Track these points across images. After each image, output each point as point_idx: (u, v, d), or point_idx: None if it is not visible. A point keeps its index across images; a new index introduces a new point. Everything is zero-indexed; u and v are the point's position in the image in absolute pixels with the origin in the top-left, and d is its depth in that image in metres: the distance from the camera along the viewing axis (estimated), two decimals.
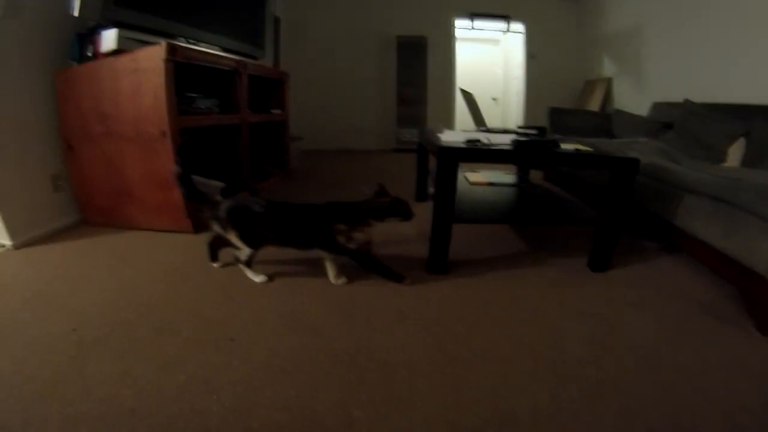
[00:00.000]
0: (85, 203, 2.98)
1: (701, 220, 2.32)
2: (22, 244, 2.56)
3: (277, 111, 4.46)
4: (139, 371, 1.40)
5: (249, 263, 2.13)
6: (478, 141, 2.37)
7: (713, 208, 2.23)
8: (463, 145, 2.26)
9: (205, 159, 3.35)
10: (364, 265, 2.11)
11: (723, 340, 1.74)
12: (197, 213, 2.63)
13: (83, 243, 2.66)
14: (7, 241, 2.52)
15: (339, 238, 2.00)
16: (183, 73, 2.80)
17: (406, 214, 2.07)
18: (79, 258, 2.42)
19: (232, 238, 2.07)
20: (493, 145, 2.33)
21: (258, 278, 2.12)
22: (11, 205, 2.54)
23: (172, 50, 2.58)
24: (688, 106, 3.85)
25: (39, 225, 2.72)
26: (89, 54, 2.76)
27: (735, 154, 2.97)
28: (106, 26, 2.64)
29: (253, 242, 2.07)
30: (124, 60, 2.62)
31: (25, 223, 2.63)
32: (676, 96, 4.28)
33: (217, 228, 2.12)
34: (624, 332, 1.78)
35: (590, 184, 3.69)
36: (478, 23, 7.64)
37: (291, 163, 4.94)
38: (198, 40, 3.30)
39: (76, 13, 2.44)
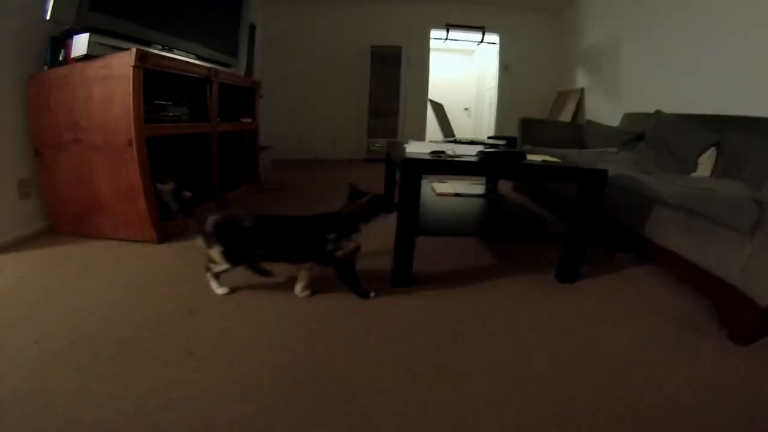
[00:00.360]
0: (53, 211, 2.94)
1: (671, 231, 2.38)
2: None
3: (247, 120, 4.46)
4: (98, 385, 1.39)
5: (218, 276, 2.11)
6: (444, 152, 2.40)
7: (683, 219, 2.29)
8: (428, 157, 2.27)
9: (173, 167, 3.33)
10: (343, 274, 2.09)
11: (696, 352, 1.78)
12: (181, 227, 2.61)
13: (49, 252, 2.62)
14: None
15: (329, 248, 1.99)
16: (154, 81, 2.80)
17: (390, 207, 2.07)
18: (44, 268, 2.39)
19: (214, 253, 2.01)
20: (457, 156, 2.35)
21: (220, 290, 2.11)
22: None
23: (142, 57, 2.57)
24: (659, 117, 3.93)
25: (4, 232, 2.68)
26: (62, 59, 2.75)
27: (705, 164, 3.03)
28: (80, 31, 2.62)
29: (235, 259, 2.03)
30: (95, 66, 2.60)
31: None
32: (648, 107, 4.37)
33: (200, 242, 2.05)
34: (594, 347, 1.80)
35: (559, 195, 3.74)
36: (454, 34, 7.71)
37: (261, 173, 4.94)
38: (171, 47, 3.28)
39: (48, 17, 2.42)
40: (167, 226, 2.84)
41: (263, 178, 4.98)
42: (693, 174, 3.10)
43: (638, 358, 1.73)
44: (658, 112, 3.99)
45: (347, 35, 7.49)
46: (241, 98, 4.51)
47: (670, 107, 4.07)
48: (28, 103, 2.77)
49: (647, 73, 5.04)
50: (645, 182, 2.69)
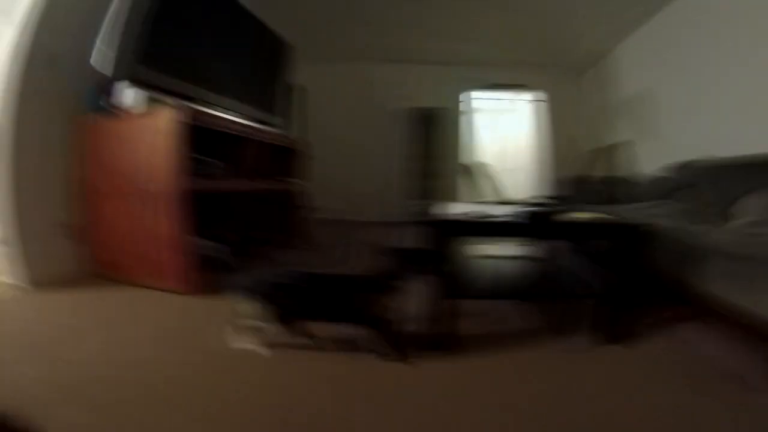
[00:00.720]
0: (93, 254, 3.00)
1: (721, 280, 2.21)
2: (31, 287, 2.66)
3: (286, 179, 4.52)
4: (103, 427, 1.36)
5: (250, 331, 1.98)
6: (480, 215, 2.28)
7: (733, 266, 2.14)
8: (463, 218, 2.18)
9: (212, 222, 3.35)
10: (379, 335, 1.92)
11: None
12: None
13: (86, 294, 2.67)
14: (17, 282, 2.64)
15: (366, 305, 1.89)
16: (196, 135, 2.86)
17: (429, 265, 1.98)
18: (79, 308, 2.43)
19: (251, 309, 1.92)
20: (494, 217, 2.23)
21: (245, 345, 1.96)
22: (25, 249, 2.68)
23: (186, 113, 2.68)
24: (699, 165, 3.84)
25: (50, 270, 2.79)
26: (108, 107, 2.87)
27: (751, 209, 2.85)
28: (127, 81, 2.77)
29: (275, 316, 1.92)
30: (140, 118, 2.76)
31: (36, 267, 2.73)
32: (687, 157, 4.26)
33: (240, 297, 1.96)
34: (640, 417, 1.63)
35: (603, 254, 3.61)
36: (494, 94, 7.81)
37: (297, 231, 4.91)
38: (215, 104, 3.43)
39: (102, 68, 2.65)
40: (202, 279, 2.79)
41: (299, 236, 4.95)
42: (738, 220, 2.93)
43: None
44: (697, 160, 3.89)
45: (388, 95, 7.59)
46: (282, 157, 4.55)
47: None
48: (74, 148, 2.92)
49: (684, 122, 4.93)
50: (690, 232, 2.57)
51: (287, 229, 4.71)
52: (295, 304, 1.92)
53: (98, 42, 2.66)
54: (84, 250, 3.00)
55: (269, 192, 4.28)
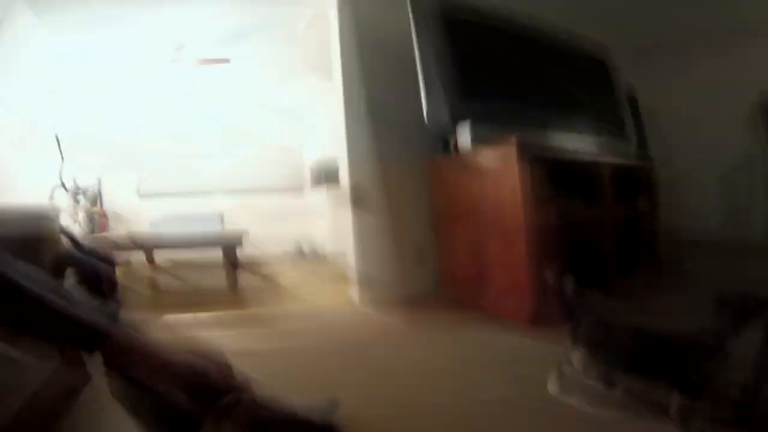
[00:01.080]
0: (443, 279, 3.37)
1: None
2: (374, 302, 3.16)
3: (643, 202, 4.08)
4: None
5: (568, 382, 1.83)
6: None
7: None
8: None
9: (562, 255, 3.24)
10: (698, 407, 1.49)
11: None
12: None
13: (424, 317, 2.95)
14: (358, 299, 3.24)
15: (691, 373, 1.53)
16: (543, 165, 2.82)
17: None
18: (413, 330, 2.70)
19: (575, 355, 1.81)
20: None
21: (552, 388, 1.82)
22: (374, 268, 3.27)
23: (524, 146, 2.69)
24: None
25: (394, 289, 3.25)
26: (453, 146, 3.06)
27: None
28: (460, 120, 2.91)
29: (595, 367, 1.76)
30: (479, 155, 2.92)
31: (383, 285, 3.25)
32: None
33: (570, 341, 1.84)
34: None
35: None
36: None
37: (661, 258, 4.29)
38: (554, 130, 3.35)
39: (427, 122, 2.96)
40: (543, 313, 2.62)
41: (664, 263, 4.29)
42: None
43: None
44: None
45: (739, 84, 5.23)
46: (635, 178, 4.11)
47: None
48: (428, 183, 3.41)
49: None
50: None
51: (640, 259, 4.06)
52: (613, 357, 1.71)
53: (423, 88, 2.95)
54: (429, 273, 3.38)
55: (622, 219, 3.77)
